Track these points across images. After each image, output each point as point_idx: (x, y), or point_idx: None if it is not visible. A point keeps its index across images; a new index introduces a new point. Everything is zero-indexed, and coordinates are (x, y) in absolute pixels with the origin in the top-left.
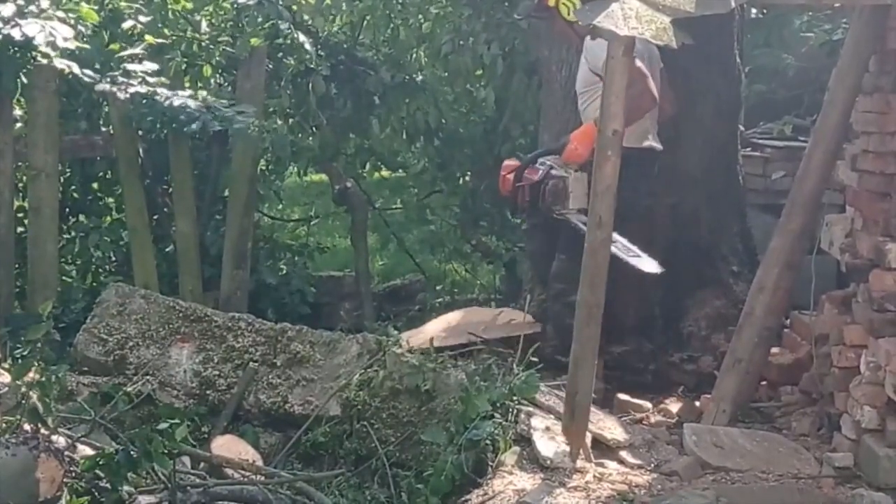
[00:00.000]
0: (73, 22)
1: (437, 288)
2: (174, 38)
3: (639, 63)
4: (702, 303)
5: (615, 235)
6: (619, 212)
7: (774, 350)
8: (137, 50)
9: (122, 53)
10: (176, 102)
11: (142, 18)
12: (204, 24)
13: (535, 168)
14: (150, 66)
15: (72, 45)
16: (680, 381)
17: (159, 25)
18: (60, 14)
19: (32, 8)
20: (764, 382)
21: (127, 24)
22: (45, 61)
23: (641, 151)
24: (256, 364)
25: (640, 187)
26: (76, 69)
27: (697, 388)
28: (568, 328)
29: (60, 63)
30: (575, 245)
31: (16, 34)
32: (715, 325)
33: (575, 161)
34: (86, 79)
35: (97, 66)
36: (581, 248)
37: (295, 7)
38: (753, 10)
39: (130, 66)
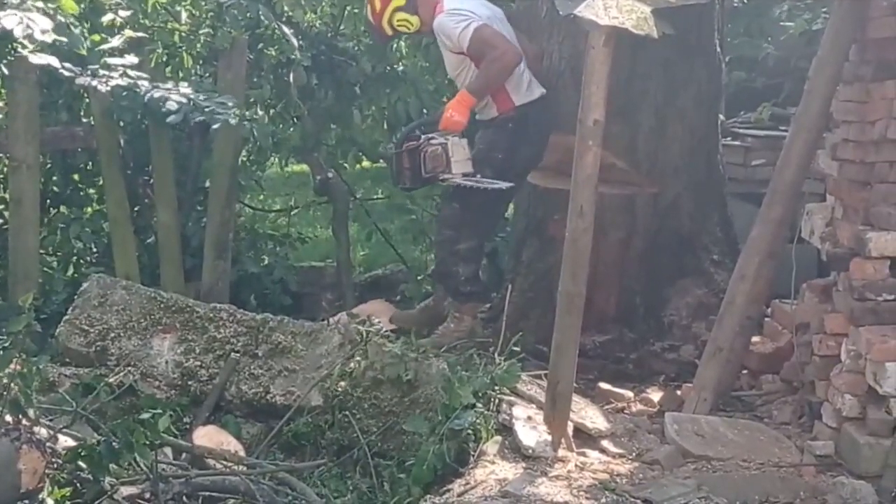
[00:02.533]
0: (51, 12)
1: (419, 278)
2: (154, 29)
3: (492, 28)
4: (683, 292)
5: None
6: (535, 162)
7: (755, 339)
8: (117, 43)
9: (103, 47)
10: (157, 95)
11: (122, 13)
12: (184, 15)
13: (415, 136)
14: (131, 59)
15: (49, 38)
16: (661, 370)
17: (139, 17)
18: (40, 4)
19: None
20: (745, 371)
21: (107, 18)
22: (25, 52)
23: (536, 102)
24: (238, 355)
25: (547, 133)
26: (55, 63)
27: (679, 377)
28: (452, 275)
29: (38, 59)
30: (469, 195)
31: None
32: (696, 313)
33: (453, 128)
34: (66, 73)
35: (79, 57)
36: (477, 196)
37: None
38: (734, 0)
39: (111, 60)
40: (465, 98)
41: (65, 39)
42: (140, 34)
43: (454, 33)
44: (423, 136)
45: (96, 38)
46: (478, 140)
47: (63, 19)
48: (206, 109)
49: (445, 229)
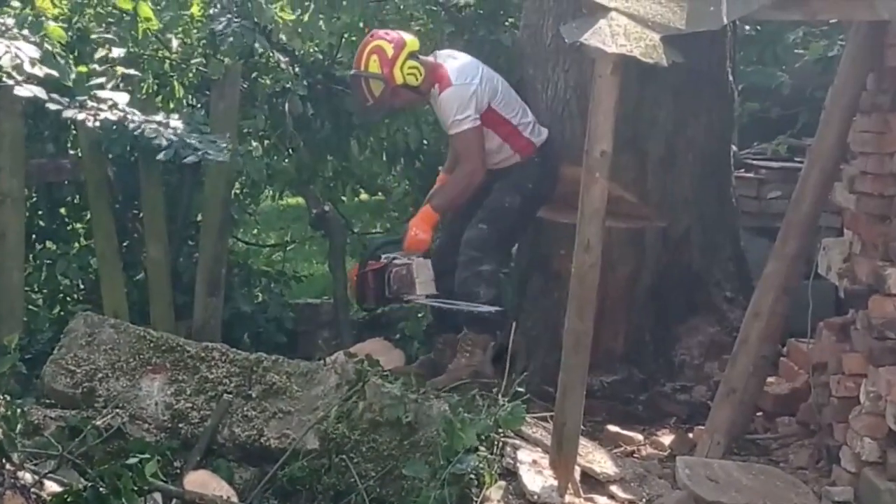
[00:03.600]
0: (38, 41)
1: (419, 315)
2: (145, 58)
3: (477, 137)
4: (694, 330)
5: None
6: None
7: (770, 379)
8: (109, 84)
9: (93, 82)
10: (147, 131)
11: (115, 50)
12: (175, 43)
13: (378, 259)
14: (122, 96)
15: (40, 71)
16: (672, 412)
17: (129, 46)
18: (26, 33)
19: None
20: (760, 413)
21: (99, 54)
22: (10, 82)
23: (548, 140)
24: (231, 396)
25: (543, 185)
26: (42, 94)
27: (690, 419)
28: (474, 296)
29: (24, 91)
30: (499, 217)
31: None
32: (708, 353)
33: (418, 250)
34: (53, 106)
35: (66, 88)
36: (506, 221)
37: (270, 26)
38: (746, 27)
39: (101, 94)
40: (429, 215)
41: (55, 73)
42: (132, 71)
43: (448, 117)
44: (383, 257)
45: (83, 69)
46: (498, 183)
47: (50, 48)
48: (198, 149)
49: (470, 250)
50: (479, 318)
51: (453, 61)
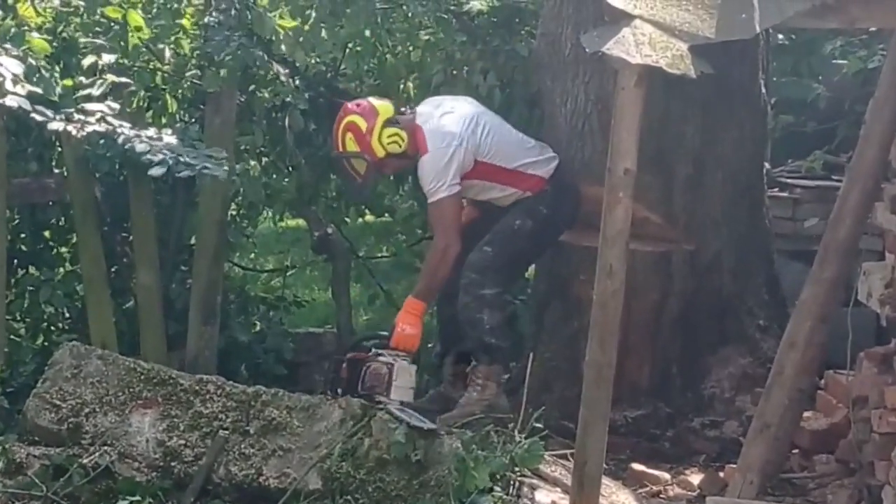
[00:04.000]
0: (21, 54)
1: (429, 345)
2: (135, 69)
3: (452, 208)
4: (725, 361)
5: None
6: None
7: (807, 414)
8: (97, 92)
9: (81, 93)
10: (138, 146)
11: (105, 57)
12: (168, 54)
13: (368, 350)
14: (112, 106)
15: (22, 90)
16: (701, 450)
17: (119, 56)
18: (8, 46)
19: None
20: (796, 450)
21: (87, 62)
22: None
23: (560, 165)
24: (227, 432)
25: (561, 208)
26: (27, 105)
27: (721, 456)
28: (477, 323)
29: (12, 101)
30: (506, 240)
31: None
32: (740, 385)
33: (406, 346)
34: (38, 117)
35: (50, 102)
36: (514, 244)
37: (270, 37)
38: (780, 35)
39: (89, 106)
40: (415, 306)
41: (38, 90)
42: (123, 80)
43: (425, 182)
44: (373, 350)
45: (69, 82)
46: (511, 209)
47: (34, 62)
48: (194, 164)
49: (471, 273)
50: (490, 347)
51: (433, 121)
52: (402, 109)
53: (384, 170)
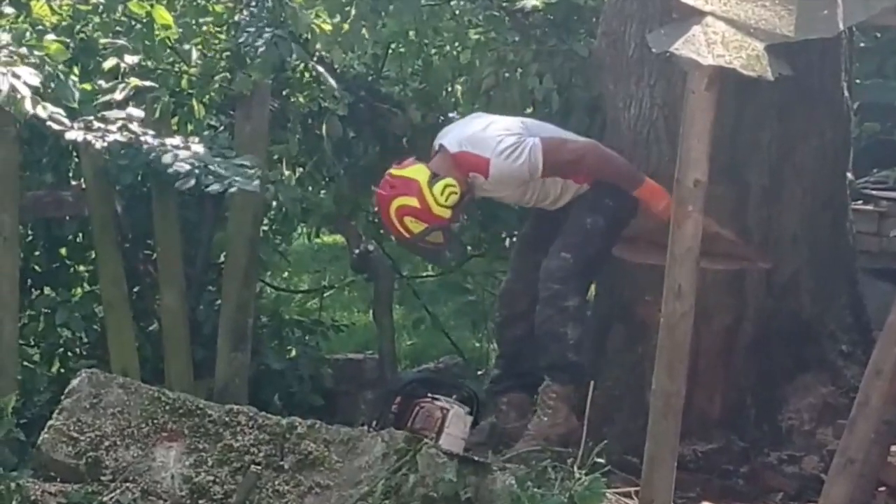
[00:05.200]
0: (38, 61)
1: (479, 373)
2: (159, 72)
3: (529, 152)
4: (804, 390)
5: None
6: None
7: (894, 448)
8: (119, 96)
9: (103, 99)
10: (164, 156)
11: (128, 59)
12: (195, 55)
13: (413, 388)
14: (136, 113)
15: (43, 112)
16: (779, 486)
17: (142, 58)
18: (24, 51)
19: None
20: (882, 488)
21: (109, 64)
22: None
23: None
24: (259, 467)
25: (623, 200)
26: (43, 114)
27: (800, 495)
28: (560, 338)
29: (41, 110)
30: (583, 243)
31: None
32: (821, 417)
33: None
34: (55, 126)
35: (68, 110)
36: (591, 246)
37: (307, 36)
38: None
39: (109, 113)
40: (649, 185)
41: (60, 110)
42: (148, 83)
43: (520, 170)
44: (429, 395)
45: (87, 87)
46: (574, 207)
47: (51, 69)
48: (224, 176)
49: (553, 283)
50: (572, 365)
51: (470, 138)
52: (406, 159)
53: (456, 220)
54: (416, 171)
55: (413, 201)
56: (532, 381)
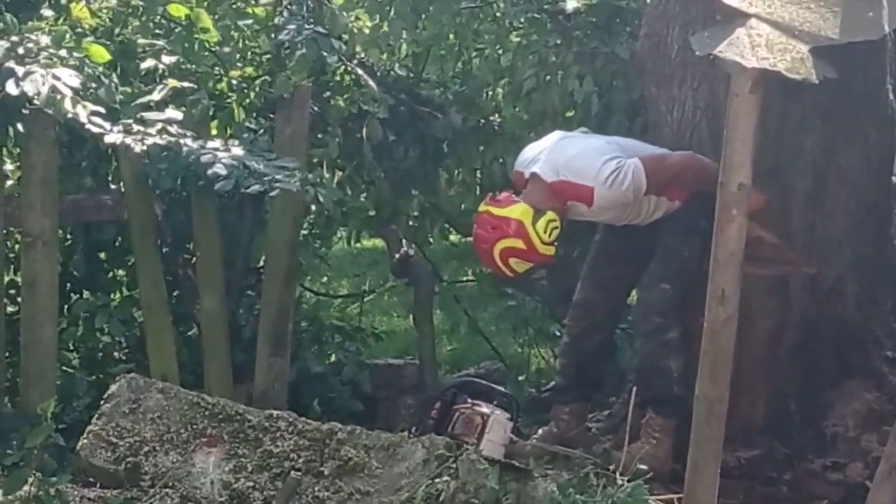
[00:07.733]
0: (77, 63)
1: (520, 378)
2: (198, 75)
3: (633, 174)
4: (849, 396)
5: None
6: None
7: None
8: (158, 97)
9: (141, 100)
10: (203, 157)
11: (165, 59)
12: (235, 58)
13: (452, 392)
14: (175, 114)
15: (84, 115)
16: (823, 494)
17: (181, 61)
18: (63, 53)
19: (30, 45)
20: None
21: (146, 65)
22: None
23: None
24: (299, 473)
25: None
26: (82, 117)
27: (845, 501)
28: (664, 372)
29: (81, 111)
30: (681, 272)
31: (10, 89)
32: (866, 423)
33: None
34: (94, 129)
35: (108, 112)
36: (689, 274)
37: (345, 36)
38: None
39: (149, 115)
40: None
41: (100, 108)
42: (187, 84)
43: (625, 195)
44: (469, 401)
45: (127, 90)
46: (665, 228)
47: (91, 71)
48: (264, 176)
49: (654, 316)
50: (677, 399)
51: (567, 165)
52: (501, 195)
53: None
54: (519, 211)
55: (518, 243)
56: (596, 390)
